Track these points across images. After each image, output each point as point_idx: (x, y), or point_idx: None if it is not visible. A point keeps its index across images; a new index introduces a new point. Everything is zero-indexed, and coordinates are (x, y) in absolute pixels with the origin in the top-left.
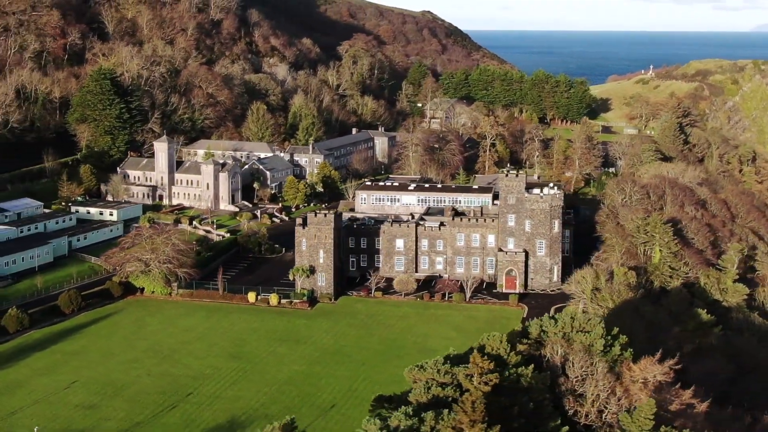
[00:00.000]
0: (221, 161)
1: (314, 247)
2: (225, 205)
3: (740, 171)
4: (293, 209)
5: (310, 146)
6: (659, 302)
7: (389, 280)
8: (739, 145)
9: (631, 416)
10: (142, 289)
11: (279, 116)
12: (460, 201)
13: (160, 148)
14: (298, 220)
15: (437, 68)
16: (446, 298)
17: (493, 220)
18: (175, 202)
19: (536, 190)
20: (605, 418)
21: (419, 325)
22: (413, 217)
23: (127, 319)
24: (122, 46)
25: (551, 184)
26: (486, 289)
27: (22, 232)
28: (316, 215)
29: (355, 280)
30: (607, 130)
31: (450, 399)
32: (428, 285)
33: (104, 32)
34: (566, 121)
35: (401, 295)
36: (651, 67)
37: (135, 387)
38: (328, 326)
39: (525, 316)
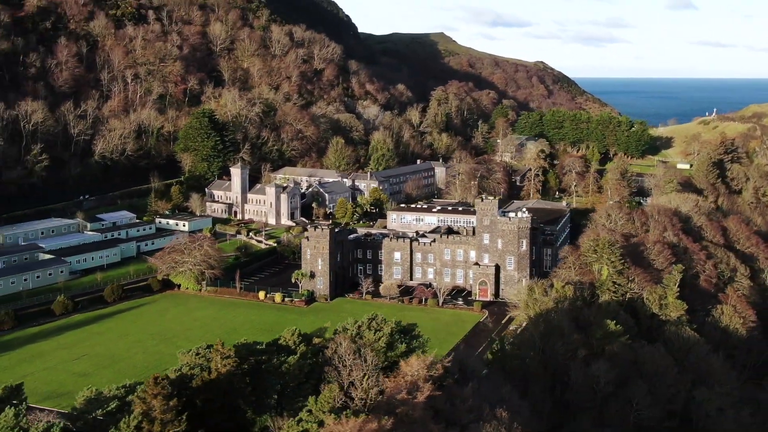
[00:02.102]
0: (284, 185)
1: (314, 255)
2: (284, 221)
3: None
4: (343, 225)
5: (368, 174)
6: (582, 313)
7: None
8: None
9: (316, 398)
10: (179, 285)
11: (361, 149)
12: (472, 222)
13: (236, 173)
14: (305, 234)
15: (542, 110)
16: (422, 303)
17: (474, 238)
18: (246, 216)
19: (512, 214)
20: (358, 400)
21: None
22: (417, 234)
23: (154, 309)
24: (234, 90)
25: (524, 209)
26: (465, 296)
27: (105, 236)
28: (315, 230)
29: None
30: (663, 164)
31: (193, 376)
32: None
33: (220, 79)
34: (627, 157)
35: (387, 298)
36: (714, 110)
37: (128, 361)
38: (312, 321)
39: (482, 320)
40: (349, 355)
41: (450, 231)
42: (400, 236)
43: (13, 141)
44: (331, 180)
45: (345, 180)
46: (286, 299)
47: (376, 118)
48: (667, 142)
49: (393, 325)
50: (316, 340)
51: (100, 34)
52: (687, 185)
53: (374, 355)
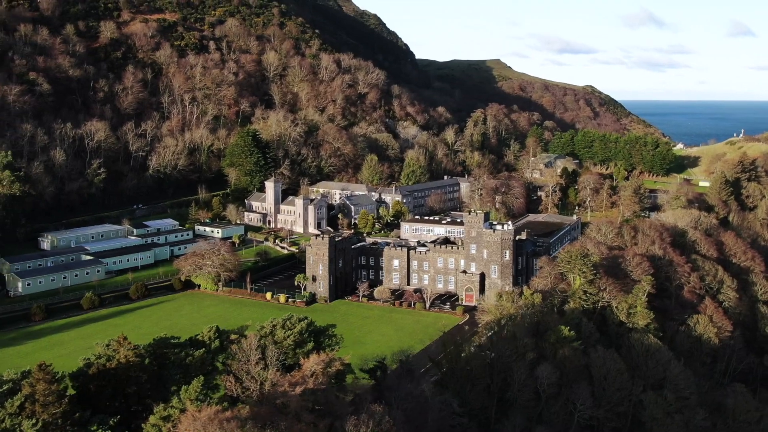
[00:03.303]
0: (312, 197)
1: (316, 261)
2: (311, 229)
3: None
4: (364, 234)
5: (393, 188)
6: (543, 319)
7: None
8: None
9: (188, 388)
10: (199, 286)
11: (396, 165)
12: None
13: (269, 186)
14: (310, 242)
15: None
16: (411, 306)
17: (463, 248)
18: (279, 225)
19: (499, 227)
20: (253, 392)
21: (373, 323)
22: (419, 244)
23: (171, 306)
24: (280, 111)
25: (509, 222)
26: (453, 301)
27: (146, 241)
28: (315, 238)
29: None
30: (687, 182)
31: (96, 365)
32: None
33: (271, 102)
34: (652, 175)
35: (380, 301)
36: (742, 131)
37: None
38: None
39: (461, 323)
40: (252, 350)
41: (447, 241)
42: (399, 245)
43: (78, 156)
44: (359, 193)
45: (373, 193)
46: (290, 300)
47: (414, 138)
48: (694, 161)
49: (304, 326)
50: (233, 337)
51: (165, 63)
52: (702, 202)
53: (277, 350)
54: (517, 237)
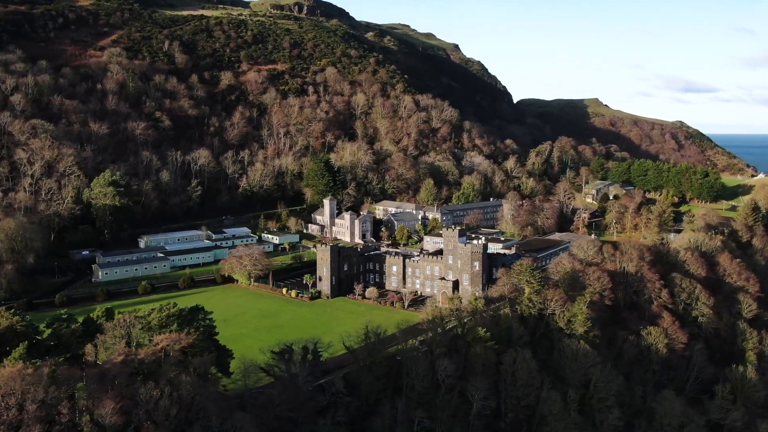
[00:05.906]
0: (359, 213)
1: (321, 264)
2: (356, 239)
3: None
4: (401, 244)
5: (435, 207)
6: (472, 321)
7: (385, 293)
8: None
9: (17, 349)
10: (237, 280)
11: (454, 188)
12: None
13: (326, 203)
14: (319, 248)
15: (670, 161)
16: (392, 305)
17: (443, 258)
18: (334, 236)
19: (475, 241)
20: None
21: (353, 317)
22: (419, 253)
23: (205, 295)
24: (358, 142)
25: (482, 237)
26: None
27: (214, 243)
28: (318, 246)
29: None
30: (734, 208)
31: None
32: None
33: (354, 135)
34: (700, 201)
35: (371, 300)
36: None
37: None
38: (303, 311)
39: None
40: (118, 327)
41: (439, 252)
42: (397, 254)
43: (185, 177)
44: (407, 211)
45: (420, 211)
46: (299, 295)
47: (478, 166)
48: (749, 190)
49: (173, 311)
50: (117, 317)
51: (269, 103)
52: (728, 226)
53: (143, 330)
54: (507, 251)
